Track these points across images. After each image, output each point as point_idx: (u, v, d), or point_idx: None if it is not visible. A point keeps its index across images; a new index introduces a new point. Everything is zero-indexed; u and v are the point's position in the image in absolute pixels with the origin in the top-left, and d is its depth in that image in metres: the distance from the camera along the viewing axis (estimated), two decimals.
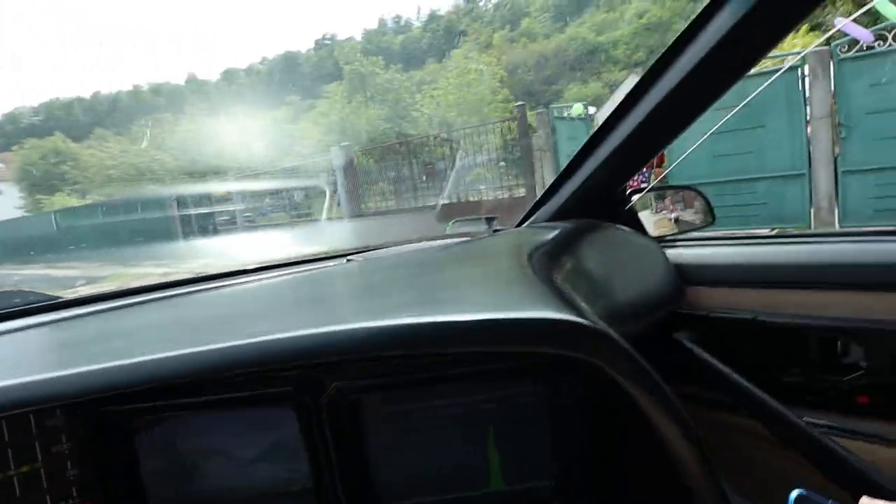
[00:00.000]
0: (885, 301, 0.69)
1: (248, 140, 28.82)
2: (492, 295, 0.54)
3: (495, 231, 1.01)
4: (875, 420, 0.72)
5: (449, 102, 23.22)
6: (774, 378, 0.77)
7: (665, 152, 5.10)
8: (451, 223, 1.19)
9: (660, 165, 4.26)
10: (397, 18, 65.45)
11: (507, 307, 0.46)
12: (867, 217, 5.31)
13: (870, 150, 5.18)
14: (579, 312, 0.46)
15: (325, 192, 10.55)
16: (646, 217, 1.01)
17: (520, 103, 8.73)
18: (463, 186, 8.99)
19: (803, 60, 5.32)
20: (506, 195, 8.20)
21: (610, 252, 0.82)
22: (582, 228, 0.83)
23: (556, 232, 0.79)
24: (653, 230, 1.01)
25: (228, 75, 63.60)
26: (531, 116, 8.13)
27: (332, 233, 9.68)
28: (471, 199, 8.67)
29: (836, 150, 5.29)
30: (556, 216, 0.94)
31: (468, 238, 0.96)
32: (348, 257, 0.92)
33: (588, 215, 0.90)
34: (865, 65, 5.08)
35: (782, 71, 5.46)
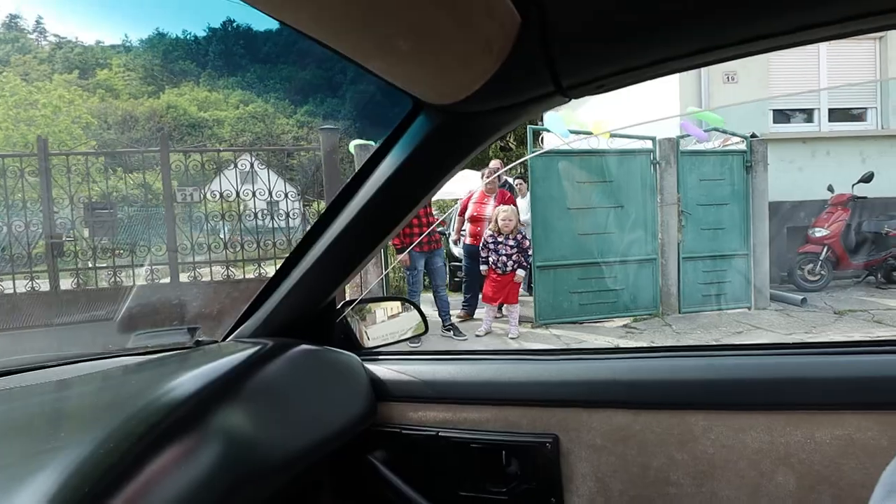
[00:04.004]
0: (523, 414, 0.79)
1: None
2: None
3: (198, 343, 0.87)
4: None
5: None
6: (453, 492, 0.81)
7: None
8: (133, 336, 0.91)
9: None
10: None
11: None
12: (699, 302, 5.55)
13: (699, 239, 5.49)
14: None
15: None
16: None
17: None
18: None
19: (654, 146, 5.29)
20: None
21: (303, 377, 0.77)
22: (278, 350, 0.78)
23: (252, 352, 0.76)
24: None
25: None
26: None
27: None
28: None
29: (680, 236, 5.38)
30: (265, 328, 0.89)
31: (161, 354, 0.82)
32: None
33: (298, 328, 0.88)
34: (697, 160, 5.46)
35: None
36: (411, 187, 0.75)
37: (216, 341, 0.90)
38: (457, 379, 0.85)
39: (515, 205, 5.05)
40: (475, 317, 5.16)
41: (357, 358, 0.90)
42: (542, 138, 6.78)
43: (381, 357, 0.95)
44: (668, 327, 5.07)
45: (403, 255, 4.60)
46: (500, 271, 4.44)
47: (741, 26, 0.47)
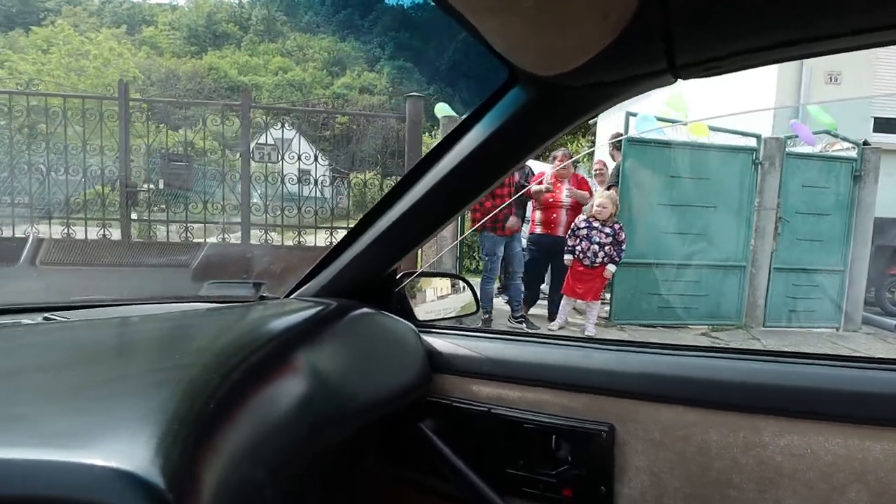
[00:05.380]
0: (580, 400, 0.78)
1: None
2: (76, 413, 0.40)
3: (262, 298, 0.94)
4: None
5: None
6: (500, 469, 0.81)
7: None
8: (206, 284, 1.00)
9: None
10: None
11: (72, 437, 0.35)
12: (784, 316, 5.19)
13: (793, 249, 5.11)
14: (162, 459, 0.35)
15: None
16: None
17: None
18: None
19: (759, 143, 4.90)
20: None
21: (363, 338, 0.80)
22: (340, 310, 0.81)
23: (316, 311, 0.78)
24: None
25: None
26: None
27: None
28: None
29: (774, 244, 5.00)
30: (327, 290, 0.91)
31: (228, 304, 0.89)
32: (47, 314, 0.77)
33: (358, 293, 0.90)
34: (802, 164, 5.04)
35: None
36: (494, 161, 0.74)
37: (278, 298, 0.92)
38: (513, 358, 0.85)
39: (591, 192, 4.72)
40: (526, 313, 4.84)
41: (414, 328, 0.89)
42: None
43: (436, 330, 0.95)
44: (755, 341, 4.73)
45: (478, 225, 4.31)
46: (587, 262, 4.10)
47: (878, 11, 0.45)
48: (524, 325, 4.46)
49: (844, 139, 5.14)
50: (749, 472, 0.69)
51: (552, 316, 4.58)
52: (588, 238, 4.09)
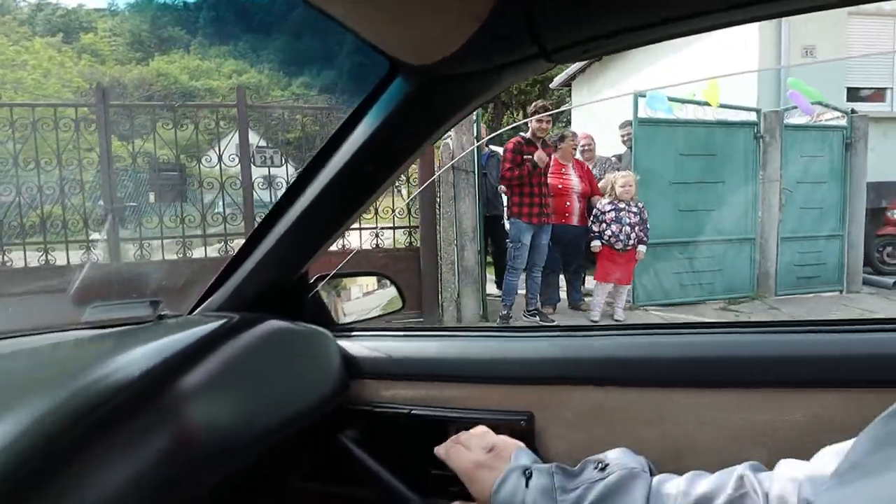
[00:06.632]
0: (500, 391, 0.79)
1: None
2: None
3: (161, 318, 0.82)
4: None
5: None
6: (425, 471, 0.79)
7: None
8: (89, 308, 0.84)
9: None
10: None
11: None
12: (793, 284, 5.34)
13: (796, 218, 5.26)
14: None
15: None
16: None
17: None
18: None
19: (759, 117, 4.99)
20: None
21: (267, 352, 0.74)
22: (242, 324, 0.74)
23: (214, 327, 0.71)
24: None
25: None
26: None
27: None
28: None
29: (780, 215, 5.13)
30: (232, 302, 0.85)
31: (115, 329, 0.76)
32: None
33: (266, 302, 0.84)
34: (800, 135, 5.18)
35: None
36: (388, 154, 0.73)
37: (180, 315, 0.87)
38: (431, 356, 0.85)
39: (593, 175, 4.67)
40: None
41: (329, 334, 0.87)
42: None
43: (354, 333, 0.93)
44: (774, 310, 4.85)
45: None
46: (620, 246, 4.07)
47: None
48: (538, 318, 4.36)
49: (835, 108, 5.30)
50: (661, 445, 0.71)
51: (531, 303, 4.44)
52: (618, 220, 4.06)
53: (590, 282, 4.79)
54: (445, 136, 4.63)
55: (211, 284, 0.88)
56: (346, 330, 0.94)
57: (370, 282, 1.13)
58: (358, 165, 0.72)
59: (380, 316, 1.03)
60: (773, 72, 6.24)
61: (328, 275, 0.96)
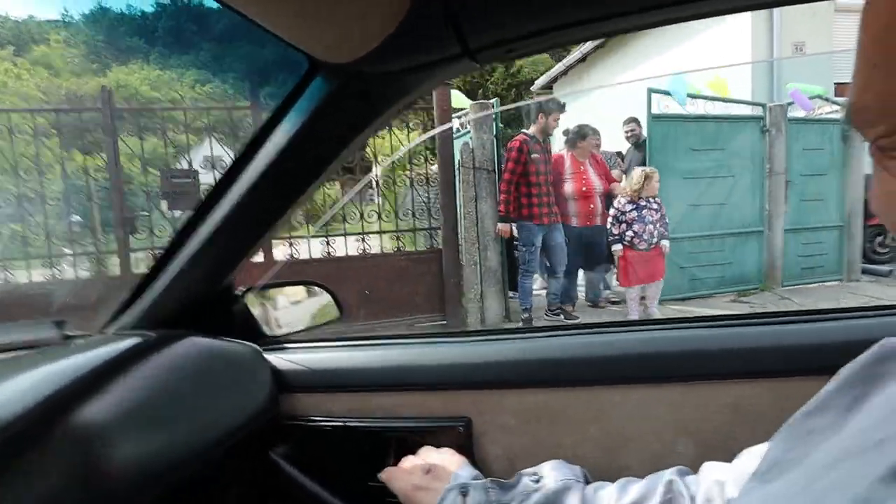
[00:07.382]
0: (437, 398, 0.77)
1: None
2: None
3: (67, 338, 0.74)
4: None
5: None
6: (362, 484, 0.77)
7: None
8: None
9: None
10: None
11: None
12: (798, 275, 5.43)
13: (799, 210, 5.36)
14: None
15: None
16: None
17: None
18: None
19: (764, 111, 5.08)
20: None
21: (186, 370, 0.68)
22: (160, 342, 0.70)
23: (127, 347, 0.66)
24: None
25: None
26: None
27: None
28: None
29: (785, 207, 5.22)
30: (148, 319, 0.78)
31: (17, 353, 0.68)
32: None
33: (187, 317, 0.78)
34: (803, 128, 5.29)
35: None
36: (312, 155, 0.70)
37: (89, 334, 0.81)
38: (364, 365, 0.82)
39: (609, 172, 4.62)
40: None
41: (256, 348, 0.83)
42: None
43: (284, 346, 0.89)
44: (786, 300, 4.90)
45: (503, 226, 4.07)
46: (644, 246, 3.96)
47: None
48: (562, 316, 4.29)
49: (835, 102, 5.45)
50: (598, 443, 0.72)
51: (550, 305, 4.37)
52: (641, 219, 3.95)
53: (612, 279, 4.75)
54: (463, 134, 4.52)
55: (125, 301, 0.81)
56: (277, 342, 0.90)
57: (300, 292, 1.08)
58: (281, 168, 0.69)
59: (317, 326, 0.97)
60: (766, 67, 6.40)
61: (255, 286, 0.90)
